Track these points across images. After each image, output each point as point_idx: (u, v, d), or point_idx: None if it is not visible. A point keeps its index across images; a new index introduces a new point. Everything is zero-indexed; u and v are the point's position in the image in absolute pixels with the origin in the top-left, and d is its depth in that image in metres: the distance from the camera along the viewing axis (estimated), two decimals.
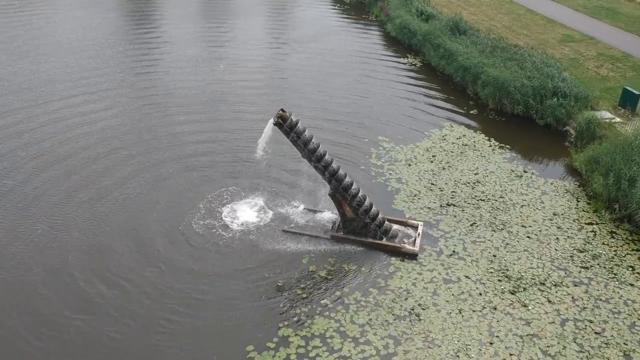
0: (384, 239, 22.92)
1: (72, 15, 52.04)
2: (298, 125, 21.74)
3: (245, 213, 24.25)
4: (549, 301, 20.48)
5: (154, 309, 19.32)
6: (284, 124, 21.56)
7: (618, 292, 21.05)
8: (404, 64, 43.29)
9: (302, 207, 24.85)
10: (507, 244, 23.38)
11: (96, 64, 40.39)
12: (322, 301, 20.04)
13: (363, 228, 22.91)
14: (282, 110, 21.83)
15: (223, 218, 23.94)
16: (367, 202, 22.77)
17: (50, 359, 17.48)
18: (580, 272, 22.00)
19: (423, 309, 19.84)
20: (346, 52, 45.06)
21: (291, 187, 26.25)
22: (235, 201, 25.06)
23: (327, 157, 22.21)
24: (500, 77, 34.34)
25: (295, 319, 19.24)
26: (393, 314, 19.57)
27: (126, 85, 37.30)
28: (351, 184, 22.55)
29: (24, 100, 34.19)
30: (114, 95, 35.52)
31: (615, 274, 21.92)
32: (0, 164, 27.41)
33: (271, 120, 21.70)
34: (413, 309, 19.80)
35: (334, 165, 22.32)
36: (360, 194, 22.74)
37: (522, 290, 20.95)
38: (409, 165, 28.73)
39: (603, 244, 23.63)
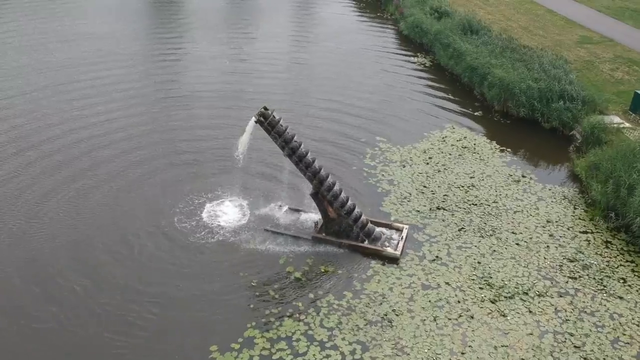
0: (366, 241, 22.42)
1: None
2: (280, 123, 21.41)
3: (228, 211, 24.00)
4: (530, 311, 19.73)
5: (121, 305, 19.19)
6: (265, 122, 21.25)
7: (605, 305, 20.16)
8: (413, 63, 42.54)
9: (286, 206, 24.50)
10: (494, 250, 22.64)
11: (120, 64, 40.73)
12: (293, 303, 19.67)
13: (345, 229, 22.45)
14: (265, 107, 21.55)
15: (205, 216, 23.73)
16: (349, 203, 22.32)
17: (8, 349, 17.50)
18: (567, 282, 21.16)
19: (397, 315, 19.30)
20: (357, 50, 44.51)
21: (277, 186, 25.87)
22: (220, 199, 24.82)
23: (309, 156, 21.83)
24: (505, 79, 33.40)
25: (264, 320, 18.91)
26: (365, 319, 19.09)
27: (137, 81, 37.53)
28: (333, 184, 22.15)
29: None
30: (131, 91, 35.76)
31: (604, 286, 21.02)
32: None
33: (253, 118, 21.43)
34: (386, 315, 19.28)
35: (316, 165, 21.93)
36: (342, 195, 22.31)
37: (503, 299, 20.23)
38: (403, 166, 28.12)
39: (596, 253, 22.71)
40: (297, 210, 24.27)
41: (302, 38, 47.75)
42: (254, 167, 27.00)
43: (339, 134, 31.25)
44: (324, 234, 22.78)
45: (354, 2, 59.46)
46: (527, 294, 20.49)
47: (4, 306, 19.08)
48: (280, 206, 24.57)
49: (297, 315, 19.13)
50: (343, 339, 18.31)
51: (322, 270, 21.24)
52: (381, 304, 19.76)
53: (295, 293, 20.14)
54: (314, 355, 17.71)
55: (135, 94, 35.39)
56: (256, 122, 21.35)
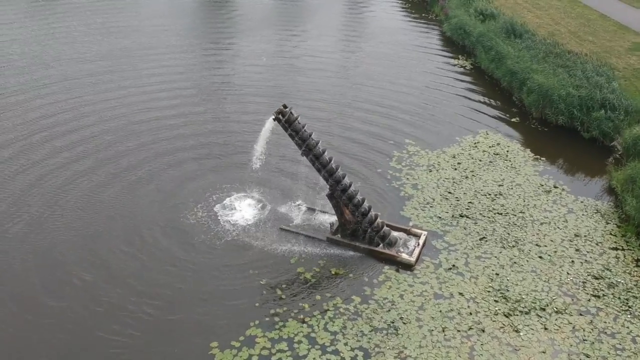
0: (381, 246, 21.94)
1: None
2: (297, 121, 21.18)
3: (246, 208, 23.95)
4: (545, 328, 18.85)
5: (127, 297, 19.40)
6: (282, 119, 21.06)
7: (627, 327, 19.07)
8: (454, 65, 41.55)
9: (304, 206, 24.26)
10: (515, 262, 21.78)
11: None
12: (300, 304, 19.43)
13: (360, 232, 22.04)
14: (284, 105, 21.37)
15: (221, 212, 23.75)
16: (365, 205, 21.89)
17: (10, 336, 17.91)
18: (589, 300, 20.13)
19: (404, 323, 18.79)
20: (399, 51, 43.83)
21: (296, 184, 25.62)
22: (238, 195, 24.81)
23: (325, 156, 21.52)
24: (545, 84, 32.16)
25: (268, 319, 18.75)
26: (370, 325, 18.67)
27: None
28: (349, 185, 21.75)
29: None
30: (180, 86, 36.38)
31: (629, 307, 19.89)
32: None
33: (271, 117, 21.31)
34: (393, 322, 18.80)
35: (333, 165, 21.59)
36: (359, 197, 21.90)
37: (518, 313, 19.41)
38: (430, 171, 27.43)
39: (624, 272, 21.53)
40: (315, 210, 23.99)
41: (346, 37, 47.35)
42: (274, 164, 26.87)
43: (369, 134, 30.80)
44: (339, 236, 22.43)
45: (400, 2, 58.66)
46: (544, 309, 19.59)
47: (12, 293, 19.58)
48: (299, 205, 24.36)
49: (302, 316, 18.88)
50: (346, 344, 17.95)
51: (333, 273, 20.90)
52: (389, 310, 19.29)
53: (303, 294, 19.89)
54: (314, 358, 17.44)
55: (171, 87, 35.87)
56: (274, 119, 21.18)
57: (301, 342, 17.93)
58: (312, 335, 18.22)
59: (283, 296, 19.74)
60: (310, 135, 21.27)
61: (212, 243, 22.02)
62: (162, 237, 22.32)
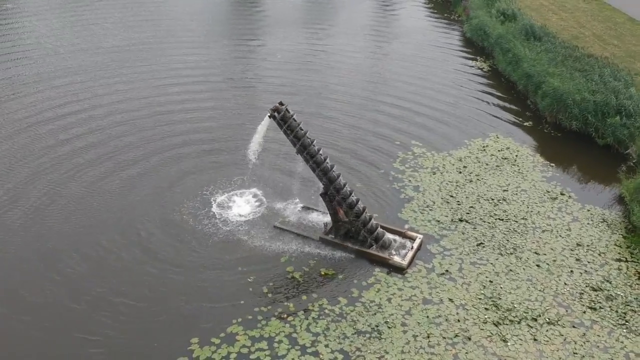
0: (374, 247, 21.61)
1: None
2: (293, 118, 20.97)
3: (242, 204, 23.88)
4: (535, 339, 18.30)
5: (113, 289, 19.51)
6: (277, 116, 20.88)
7: (622, 342, 18.39)
8: (471, 67, 40.82)
9: (301, 204, 24.08)
10: (511, 270, 21.22)
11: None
12: (285, 303, 19.26)
13: (353, 233, 21.76)
14: (280, 103, 21.19)
15: (217, 208, 23.72)
16: (359, 206, 21.58)
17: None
18: (584, 312, 19.47)
19: (389, 328, 18.46)
20: (417, 52, 43.31)
21: (294, 183, 25.40)
22: (236, 191, 24.77)
23: (321, 154, 21.26)
24: (560, 88, 31.30)
25: (251, 317, 18.63)
26: (354, 328, 18.39)
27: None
28: (343, 185, 21.48)
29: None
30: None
31: (626, 321, 19.18)
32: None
33: (267, 114, 21.15)
34: (377, 326, 18.48)
35: (328, 164, 21.34)
36: (353, 197, 21.61)
37: (508, 322, 18.88)
38: (434, 173, 26.95)
39: (625, 284, 20.78)
40: (312, 209, 23.78)
41: (365, 36, 46.91)
42: (274, 161, 26.74)
43: (375, 134, 30.46)
44: (332, 236, 22.17)
45: (425, 2, 57.95)
46: (536, 320, 19.03)
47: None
48: (296, 203, 24.19)
49: (286, 316, 18.71)
50: (326, 345, 17.72)
51: (322, 273, 20.67)
52: (375, 314, 18.97)
53: (289, 293, 19.71)
54: (292, 359, 17.22)
55: (182, 81, 36.09)
56: (269, 116, 21.02)
57: (281, 342, 17.76)
58: (294, 335, 18.03)
59: (269, 295, 19.59)
60: (305, 134, 21.05)
61: (205, 239, 22.00)
62: (156, 232, 22.39)
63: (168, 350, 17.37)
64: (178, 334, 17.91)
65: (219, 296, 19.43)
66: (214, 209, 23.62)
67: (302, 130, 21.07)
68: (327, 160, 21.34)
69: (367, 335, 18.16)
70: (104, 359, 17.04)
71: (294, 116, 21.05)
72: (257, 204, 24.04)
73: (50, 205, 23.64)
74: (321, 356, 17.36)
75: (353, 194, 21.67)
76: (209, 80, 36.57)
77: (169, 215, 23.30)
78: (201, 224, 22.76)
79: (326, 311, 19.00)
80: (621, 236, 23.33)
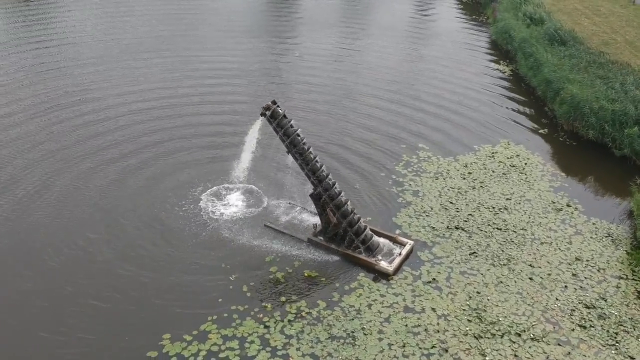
0: (361, 250, 21.21)
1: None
2: (283, 116, 20.78)
3: (234, 202, 23.80)
4: (516, 356, 17.63)
5: (94, 281, 19.67)
6: (267, 114, 20.73)
7: None
8: (493, 70, 39.87)
9: (296, 205, 23.87)
10: (501, 282, 20.51)
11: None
12: (263, 303, 19.08)
13: (341, 235, 21.41)
14: (273, 102, 21.04)
15: (209, 204, 23.70)
16: (347, 207, 21.21)
17: None
18: (573, 330, 18.65)
19: (364, 334, 18.06)
20: (441, 53, 42.79)
21: (289, 182, 25.20)
22: (228, 189, 24.70)
23: (310, 153, 21.00)
24: (578, 96, 30.17)
25: (226, 315, 18.51)
26: (329, 333, 18.07)
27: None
28: (332, 185, 21.16)
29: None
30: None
31: (616, 342, 18.28)
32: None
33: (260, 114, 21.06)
34: (353, 332, 18.11)
35: (318, 163, 21.07)
36: (343, 198, 21.26)
37: (490, 336, 18.23)
38: (436, 178, 26.34)
39: (621, 303, 19.82)
40: (305, 209, 23.53)
41: (396, 37, 46.47)
42: (271, 160, 26.53)
43: (383, 135, 30.03)
44: (321, 238, 21.88)
45: (456, 4, 56.94)
46: (519, 335, 18.33)
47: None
48: (290, 203, 24.00)
49: (261, 316, 18.52)
50: (298, 349, 17.46)
51: (306, 275, 20.40)
52: (353, 319, 18.60)
53: (268, 294, 19.52)
54: None
55: (194, 75, 36.34)
56: (261, 114, 20.88)
57: (253, 343, 17.60)
58: (267, 336, 17.83)
59: (248, 294, 19.44)
60: (295, 132, 20.82)
61: (192, 235, 22.00)
62: (142, 227, 22.48)
63: (139, 345, 17.37)
64: (151, 330, 17.90)
65: (197, 293, 19.38)
66: (204, 206, 23.58)
67: (292, 128, 20.85)
68: (317, 159, 21.03)
69: (341, 340, 17.81)
70: (77, 350, 17.16)
71: (284, 114, 20.83)
72: (250, 201, 23.93)
73: (41, 196, 23.97)
74: (291, 359, 17.10)
75: (342, 195, 21.32)
76: (240, 76, 36.78)
77: (156, 212, 23.30)
78: (189, 221, 22.78)
79: (303, 314, 18.73)
80: (625, 252, 22.30)
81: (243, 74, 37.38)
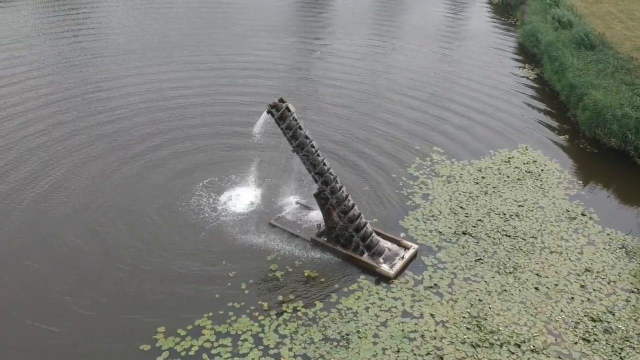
0: (366, 254, 20.96)
1: None
2: (292, 117, 20.56)
3: (241, 199, 23.81)
4: None
5: (93, 272, 19.84)
6: (275, 114, 20.54)
7: None
8: (518, 73, 39.09)
9: (302, 203, 23.75)
10: (505, 290, 20.03)
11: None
12: (259, 302, 19.01)
13: (346, 237, 21.18)
14: (281, 99, 20.88)
15: (216, 200, 23.76)
16: (354, 211, 20.97)
17: None
18: (576, 343, 18.08)
19: (359, 338, 17.84)
20: (466, 55, 42.23)
21: (298, 181, 25.03)
22: (236, 185, 24.73)
23: (318, 155, 20.75)
24: (601, 102, 29.30)
25: (222, 312, 18.49)
26: (323, 334, 17.89)
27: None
28: (339, 188, 20.93)
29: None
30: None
31: (621, 357, 17.67)
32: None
33: (265, 109, 20.90)
34: (348, 335, 17.90)
35: (325, 165, 20.83)
36: (350, 202, 21.01)
37: (488, 346, 17.81)
38: (448, 182, 25.90)
39: (630, 318, 19.14)
40: (311, 209, 23.35)
41: (415, 38, 45.98)
42: (280, 158, 26.42)
43: (396, 137, 29.66)
44: (324, 239, 21.71)
45: (485, 5, 56.04)
46: (519, 346, 17.86)
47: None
48: (297, 202, 23.88)
49: (256, 314, 18.45)
50: (290, 349, 17.33)
51: (306, 275, 20.26)
52: (349, 322, 18.39)
53: (266, 292, 19.44)
54: (252, 359, 16.96)
55: (206, 74, 36.55)
56: (267, 112, 20.75)
57: (246, 341, 17.53)
58: (260, 335, 17.75)
59: (246, 291, 19.40)
60: (303, 134, 20.61)
61: (195, 230, 22.04)
62: (147, 220, 22.57)
63: (134, 336, 17.48)
64: (145, 322, 17.96)
65: (196, 288, 19.41)
66: (211, 202, 23.63)
67: (300, 129, 20.64)
68: (324, 162, 20.80)
69: (335, 343, 17.63)
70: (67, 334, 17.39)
71: (294, 114, 20.65)
72: (257, 199, 23.90)
73: (56, 189, 24.39)
74: (282, 359, 17.00)
75: (349, 198, 21.06)
76: (271, 75, 36.86)
77: (164, 206, 23.37)
78: (194, 216, 22.76)
79: (299, 314, 18.60)
80: (639, 265, 21.54)
81: (269, 72, 37.43)
